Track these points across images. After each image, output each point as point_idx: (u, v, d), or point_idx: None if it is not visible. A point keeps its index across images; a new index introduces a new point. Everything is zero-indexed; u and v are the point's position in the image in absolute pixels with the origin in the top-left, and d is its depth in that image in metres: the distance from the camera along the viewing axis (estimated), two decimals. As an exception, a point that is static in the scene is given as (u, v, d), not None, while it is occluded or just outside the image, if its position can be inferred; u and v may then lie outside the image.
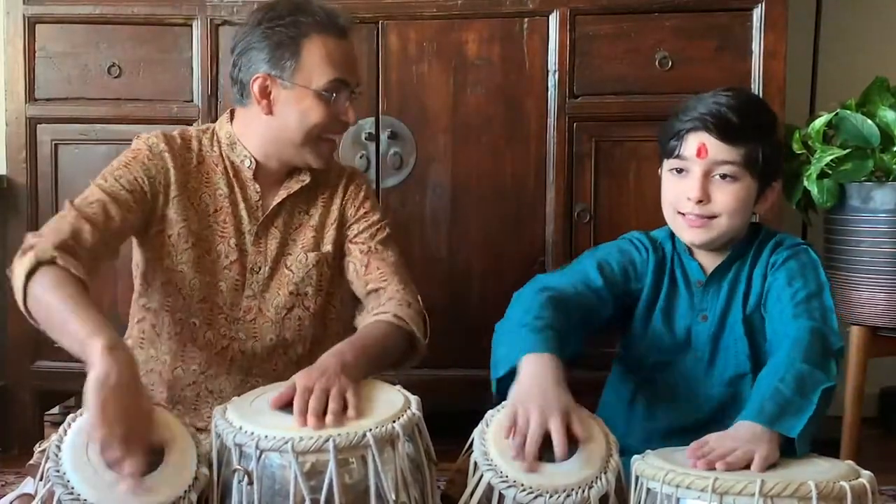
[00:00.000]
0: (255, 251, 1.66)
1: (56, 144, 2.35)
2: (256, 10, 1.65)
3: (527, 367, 1.38)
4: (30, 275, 1.38)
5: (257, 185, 1.66)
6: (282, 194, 1.66)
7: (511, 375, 1.41)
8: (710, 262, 1.59)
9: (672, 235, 1.63)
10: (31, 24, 2.34)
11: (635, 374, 1.64)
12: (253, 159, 1.65)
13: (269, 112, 1.61)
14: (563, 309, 1.50)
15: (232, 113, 1.70)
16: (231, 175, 1.66)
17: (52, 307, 1.35)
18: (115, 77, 2.34)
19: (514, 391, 1.36)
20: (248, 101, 1.64)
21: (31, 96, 2.35)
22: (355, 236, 1.70)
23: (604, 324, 1.62)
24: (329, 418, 1.27)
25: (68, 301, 1.33)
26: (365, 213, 1.71)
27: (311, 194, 1.70)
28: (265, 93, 1.61)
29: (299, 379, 1.34)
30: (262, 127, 1.64)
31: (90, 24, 2.33)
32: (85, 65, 2.34)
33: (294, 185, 1.67)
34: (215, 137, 1.68)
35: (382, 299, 1.61)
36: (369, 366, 1.45)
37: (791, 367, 1.36)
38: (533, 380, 1.36)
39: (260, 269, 1.66)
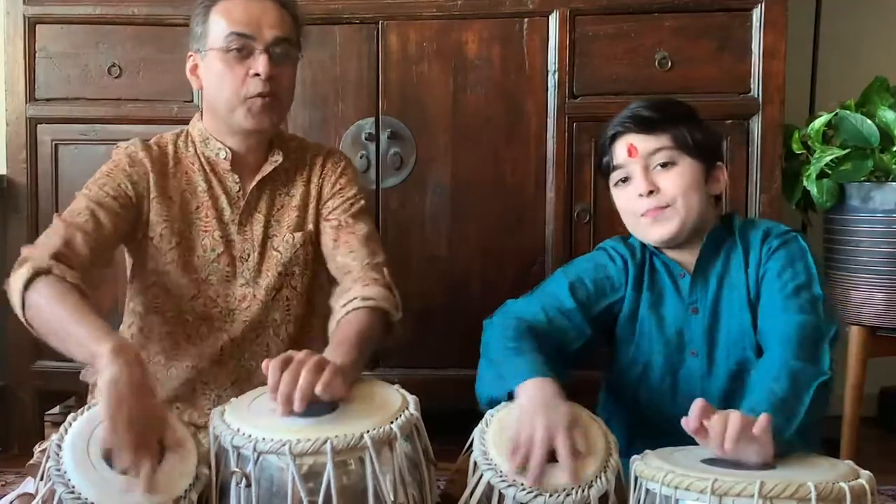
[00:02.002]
0: (241, 239, 1.67)
1: (56, 144, 2.35)
2: None
3: (525, 392, 1.37)
4: (27, 286, 1.40)
5: (236, 176, 1.67)
6: (258, 178, 1.67)
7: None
8: (687, 257, 1.59)
9: None
10: (31, 24, 2.34)
11: (631, 381, 1.62)
12: (228, 150, 1.66)
13: (200, 86, 1.65)
14: (537, 341, 1.49)
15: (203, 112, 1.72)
16: (208, 171, 1.68)
17: (54, 316, 1.37)
18: (115, 77, 2.34)
19: (518, 415, 1.34)
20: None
21: (31, 96, 2.35)
22: (329, 213, 1.71)
23: (582, 347, 1.59)
24: (297, 403, 1.26)
25: (69, 309, 1.36)
26: (340, 188, 1.72)
27: (290, 175, 1.72)
28: (194, 70, 1.65)
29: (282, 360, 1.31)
30: (205, 105, 1.68)
31: (90, 24, 2.33)
32: (85, 65, 2.34)
33: (268, 167, 1.68)
34: (189, 138, 1.71)
35: (347, 282, 1.61)
36: (361, 359, 1.45)
37: (784, 366, 1.36)
38: (532, 402, 1.35)
39: (248, 255, 1.67)
